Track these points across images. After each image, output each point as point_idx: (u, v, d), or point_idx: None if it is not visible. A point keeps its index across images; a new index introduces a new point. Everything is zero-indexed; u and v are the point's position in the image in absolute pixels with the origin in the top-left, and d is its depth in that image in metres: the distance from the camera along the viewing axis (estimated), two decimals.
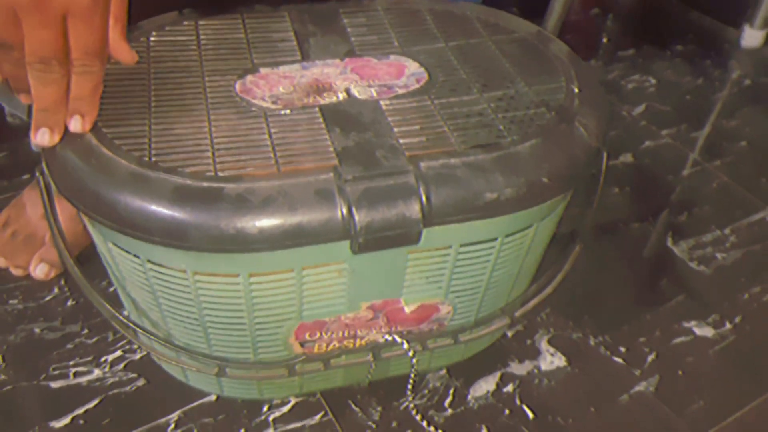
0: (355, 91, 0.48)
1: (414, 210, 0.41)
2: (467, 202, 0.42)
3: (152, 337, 0.50)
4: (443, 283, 0.48)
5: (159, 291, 0.46)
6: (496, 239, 0.46)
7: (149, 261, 0.43)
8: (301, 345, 0.50)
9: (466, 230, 0.44)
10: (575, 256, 0.54)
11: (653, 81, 1.07)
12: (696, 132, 0.97)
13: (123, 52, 0.42)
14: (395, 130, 0.45)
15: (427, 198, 0.41)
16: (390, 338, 0.51)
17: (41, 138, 0.41)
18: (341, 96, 0.47)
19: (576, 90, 0.50)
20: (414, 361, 0.53)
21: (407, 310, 0.50)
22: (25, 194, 0.69)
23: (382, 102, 0.47)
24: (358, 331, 0.50)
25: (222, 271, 0.43)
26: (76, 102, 0.40)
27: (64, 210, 0.52)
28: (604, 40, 1.19)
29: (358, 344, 0.52)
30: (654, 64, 1.12)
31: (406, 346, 0.51)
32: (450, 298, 0.50)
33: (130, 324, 0.49)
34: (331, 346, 0.51)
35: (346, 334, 0.50)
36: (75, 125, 0.41)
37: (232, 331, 0.48)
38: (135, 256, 0.44)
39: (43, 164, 0.44)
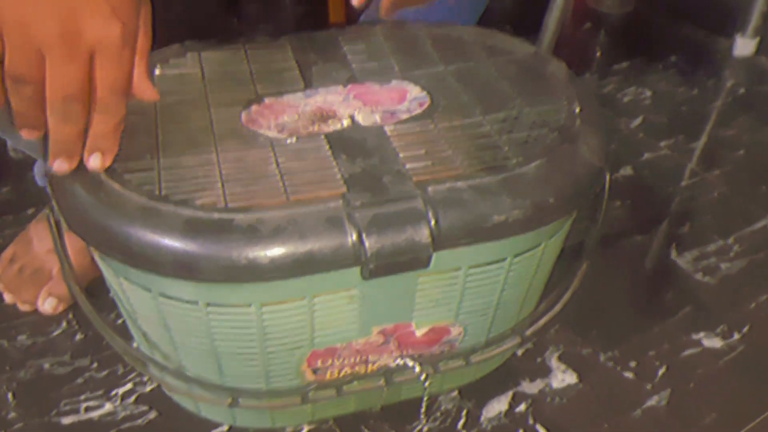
0: (359, 118, 0.48)
1: (423, 235, 0.41)
2: (475, 225, 0.42)
3: (163, 370, 0.50)
4: (453, 305, 0.48)
5: (171, 323, 0.46)
6: (505, 259, 0.47)
7: (161, 294, 0.43)
8: (314, 372, 0.50)
9: (475, 252, 0.45)
10: (582, 274, 0.55)
11: (648, 93, 1.08)
12: (693, 142, 0.97)
13: (146, 90, 0.41)
14: (401, 155, 0.46)
15: (436, 222, 0.42)
16: (402, 362, 0.51)
17: (59, 166, 0.41)
18: (345, 123, 0.48)
19: (577, 110, 0.50)
20: (426, 384, 0.53)
21: (418, 333, 0.50)
22: (31, 228, 0.69)
23: (386, 128, 0.48)
24: (370, 356, 0.50)
25: (234, 302, 0.43)
26: (96, 139, 0.40)
27: (71, 243, 0.52)
28: (598, 54, 1.20)
29: (369, 369, 0.52)
30: (648, 76, 1.13)
31: (417, 369, 0.51)
32: (460, 320, 0.50)
33: (141, 357, 0.49)
34: (343, 373, 0.51)
35: (357, 359, 0.50)
36: (95, 163, 0.41)
37: (245, 361, 0.48)
38: (147, 289, 0.44)
39: (52, 201, 0.44)
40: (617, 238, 0.80)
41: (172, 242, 0.39)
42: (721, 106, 1.07)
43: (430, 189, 0.43)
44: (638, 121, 1.01)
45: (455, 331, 0.51)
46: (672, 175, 0.91)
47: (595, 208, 0.54)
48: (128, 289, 0.45)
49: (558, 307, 0.54)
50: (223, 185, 0.42)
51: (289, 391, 0.50)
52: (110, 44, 0.36)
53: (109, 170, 0.42)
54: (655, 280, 0.75)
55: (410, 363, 0.51)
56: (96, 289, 0.64)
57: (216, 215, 0.40)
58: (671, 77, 1.13)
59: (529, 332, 0.54)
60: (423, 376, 0.52)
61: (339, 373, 0.51)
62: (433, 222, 0.42)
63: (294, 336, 0.46)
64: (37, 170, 0.76)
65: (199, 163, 0.44)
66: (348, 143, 0.46)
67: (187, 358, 0.49)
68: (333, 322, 0.46)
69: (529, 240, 0.47)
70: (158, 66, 0.52)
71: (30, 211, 0.77)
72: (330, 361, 0.49)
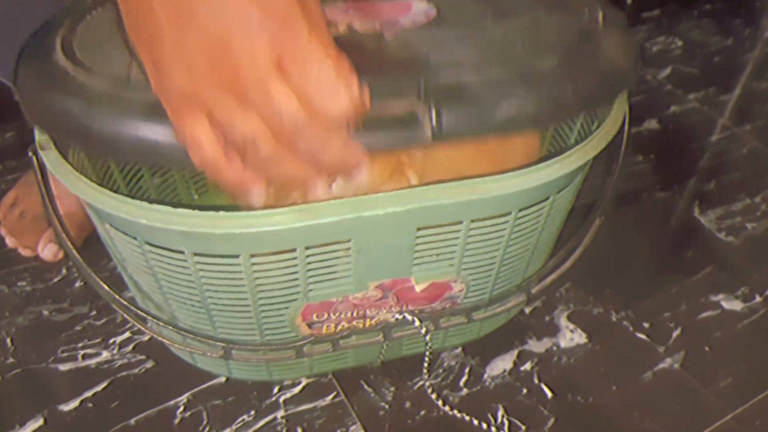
0: (356, 26, 0.45)
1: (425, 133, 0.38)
2: (481, 118, 0.38)
3: (155, 320, 0.48)
4: (455, 261, 0.46)
5: (159, 273, 0.44)
6: (509, 213, 0.44)
7: (147, 243, 0.42)
8: (309, 326, 0.48)
9: (477, 205, 0.42)
10: (596, 229, 0.52)
11: (679, 43, 1.03)
12: (725, 95, 0.92)
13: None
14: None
15: (437, 114, 0.38)
16: (401, 317, 0.49)
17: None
18: (341, 28, 0.44)
19: (600, 14, 0.46)
20: (427, 338, 0.51)
21: (418, 288, 0.48)
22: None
23: (386, 33, 0.44)
24: (368, 311, 0.48)
25: (221, 252, 0.41)
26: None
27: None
28: (628, 1, 1.14)
29: (368, 324, 0.50)
30: (680, 24, 1.07)
31: (417, 323, 0.49)
32: (462, 276, 0.48)
33: (133, 307, 0.48)
34: (339, 327, 0.49)
35: (354, 314, 0.48)
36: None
37: (236, 313, 0.46)
38: (133, 237, 0.42)
39: (21, 106, 0.41)
40: (638, 195, 0.76)
41: (133, 127, 0.36)
42: (757, 57, 1.01)
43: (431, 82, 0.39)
44: (666, 72, 0.96)
45: (457, 287, 0.49)
46: (700, 129, 0.86)
47: (611, 160, 0.51)
48: (115, 237, 0.44)
49: (567, 265, 0.52)
50: None
51: (283, 345, 0.49)
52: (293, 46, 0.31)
53: (73, 58, 0.40)
54: (675, 239, 0.72)
55: (409, 318, 0.49)
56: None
57: None
58: (705, 26, 1.07)
59: (535, 290, 0.52)
60: (423, 330, 0.50)
61: (335, 327, 0.49)
62: (434, 114, 0.38)
63: (286, 289, 0.44)
64: None
65: None
66: (344, 47, 0.42)
67: (179, 309, 0.47)
68: (327, 275, 0.44)
69: (536, 193, 0.44)
70: None
71: None
72: (326, 315, 0.48)
